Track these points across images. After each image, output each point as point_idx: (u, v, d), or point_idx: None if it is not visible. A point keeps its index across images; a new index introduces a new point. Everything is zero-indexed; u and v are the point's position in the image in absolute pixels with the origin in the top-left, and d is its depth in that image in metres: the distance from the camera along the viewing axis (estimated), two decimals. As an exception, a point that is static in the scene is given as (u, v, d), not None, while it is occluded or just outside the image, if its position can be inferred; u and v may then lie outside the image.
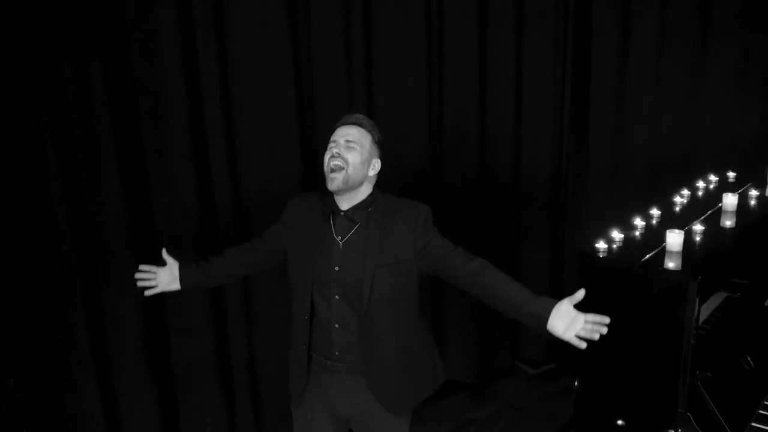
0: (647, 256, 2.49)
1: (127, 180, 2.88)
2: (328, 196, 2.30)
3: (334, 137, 2.27)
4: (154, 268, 2.50)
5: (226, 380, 3.32)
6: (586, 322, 2.06)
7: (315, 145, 3.28)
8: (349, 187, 2.23)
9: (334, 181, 2.20)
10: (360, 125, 2.28)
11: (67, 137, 2.72)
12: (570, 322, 2.06)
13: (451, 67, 3.72)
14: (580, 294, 2.08)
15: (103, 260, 2.90)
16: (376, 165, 2.29)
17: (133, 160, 2.89)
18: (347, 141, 2.23)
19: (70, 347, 2.86)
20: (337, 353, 2.33)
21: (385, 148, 2.32)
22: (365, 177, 2.25)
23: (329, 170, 2.21)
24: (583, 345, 2.07)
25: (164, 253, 2.51)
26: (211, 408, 3.30)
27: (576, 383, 2.68)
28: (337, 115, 3.22)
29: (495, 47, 3.83)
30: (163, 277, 2.49)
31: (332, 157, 2.22)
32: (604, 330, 2.06)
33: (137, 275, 2.50)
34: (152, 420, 3.13)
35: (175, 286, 2.50)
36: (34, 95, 2.61)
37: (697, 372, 2.42)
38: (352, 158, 2.21)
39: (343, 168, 2.20)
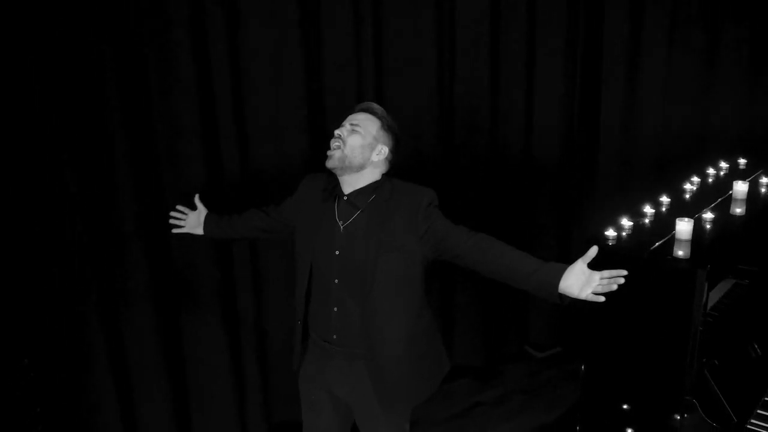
0: (656, 244, 2.50)
1: (137, 162, 2.90)
2: (334, 179, 2.34)
3: (343, 123, 2.31)
4: (187, 210, 2.77)
5: (234, 338, 3.35)
6: (601, 278, 2.03)
7: (323, 126, 3.29)
8: (346, 167, 2.24)
9: (330, 159, 2.25)
10: (369, 111, 2.31)
11: (77, 117, 2.74)
12: (585, 280, 2.03)
13: (463, 51, 3.70)
14: (593, 251, 2.05)
15: (113, 241, 2.93)
16: (383, 151, 2.29)
17: (143, 141, 2.91)
18: (352, 124, 2.28)
19: (81, 324, 2.90)
20: (334, 336, 2.34)
21: (398, 137, 2.34)
22: (367, 161, 2.26)
23: (329, 149, 2.27)
24: (601, 299, 2.03)
25: (196, 199, 2.77)
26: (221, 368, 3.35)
27: (583, 367, 2.70)
28: (345, 95, 3.29)
29: (507, 34, 3.80)
30: (192, 220, 2.77)
31: (333, 138, 2.27)
32: (622, 281, 2.02)
33: (172, 213, 2.78)
34: (163, 393, 3.18)
35: (199, 231, 2.76)
36: (38, 80, 2.61)
37: (704, 359, 2.44)
38: (352, 141, 2.24)
39: (339, 147, 2.24)
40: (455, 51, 3.69)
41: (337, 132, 2.27)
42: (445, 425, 3.63)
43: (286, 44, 3.13)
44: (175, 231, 2.79)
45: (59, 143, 2.70)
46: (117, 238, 2.92)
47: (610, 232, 2.55)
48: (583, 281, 2.03)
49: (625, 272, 2.02)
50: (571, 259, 2.09)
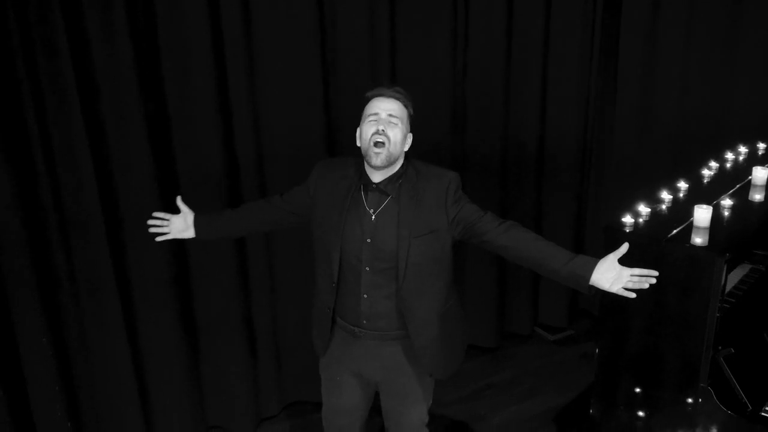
0: (674, 231, 2.48)
1: (152, 137, 2.89)
2: (360, 167, 2.31)
3: (375, 109, 2.24)
4: (167, 216, 2.55)
5: (248, 324, 3.37)
6: (632, 275, 2.07)
7: (337, 102, 3.27)
8: (390, 163, 2.24)
9: (378, 157, 2.20)
10: (399, 100, 2.27)
11: (93, 92, 2.75)
12: (616, 275, 2.08)
13: (477, 34, 3.65)
14: (624, 247, 2.10)
15: (129, 213, 2.94)
16: (410, 139, 2.31)
17: (157, 115, 2.91)
18: (390, 116, 2.23)
19: (99, 307, 2.93)
20: (365, 321, 2.37)
21: (413, 121, 2.34)
22: (402, 152, 2.28)
23: (372, 144, 2.20)
24: (633, 295, 2.09)
25: (179, 201, 2.55)
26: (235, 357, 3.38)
27: (597, 350, 2.70)
28: (359, 77, 3.26)
29: (522, 17, 3.75)
30: (177, 224, 2.54)
31: (376, 133, 2.21)
32: (653, 281, 2.08)
33: (150, 221, 2.55)
34: (178, 371, 3.21)
35: (189, 233, 2.55)
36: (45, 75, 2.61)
37: (720, 347, 2.43)
38: (394, 135, 2.22)
39: (384, 144, 2.20)
40: (469, 28, 3.64)
41: (380, 127, 2.20)
42: (456, 407, 3.65)
43: (301, 27, 3.10)
44: (159, 239, 2.57)
45: (87, 129, 2.71)
46: (126, 223, 2.94)
47: (628, 219, 2.53)
48: (613, 276, 2.08)
49: (656, 273, 2.07)
50: (585, 247, 2.10)
